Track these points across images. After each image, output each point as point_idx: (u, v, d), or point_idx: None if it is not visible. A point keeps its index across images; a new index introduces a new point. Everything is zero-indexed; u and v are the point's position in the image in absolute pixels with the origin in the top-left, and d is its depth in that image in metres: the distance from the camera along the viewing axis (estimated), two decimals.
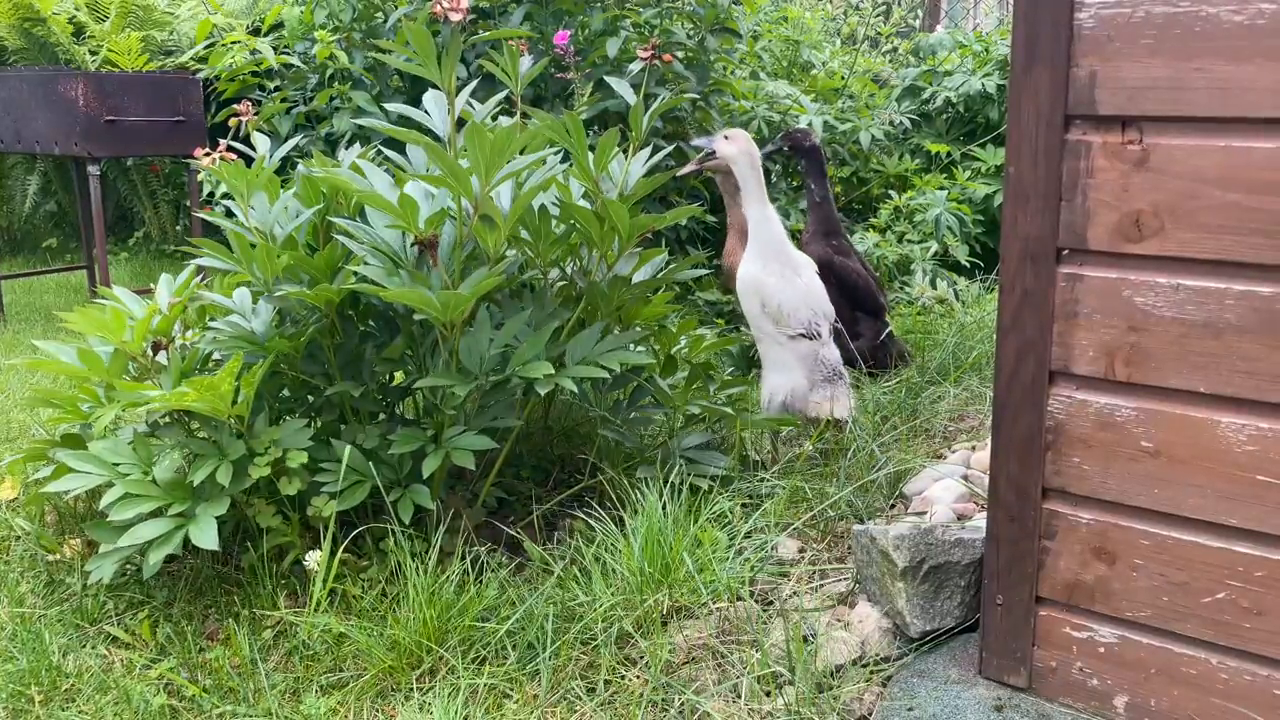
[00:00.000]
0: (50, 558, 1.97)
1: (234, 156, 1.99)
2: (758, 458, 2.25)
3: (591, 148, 1.98)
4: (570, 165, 2.01)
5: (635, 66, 3.32)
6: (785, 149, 2.99)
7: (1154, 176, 1.21)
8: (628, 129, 2.06)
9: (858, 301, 2.87)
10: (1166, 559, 1.28)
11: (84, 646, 1.73)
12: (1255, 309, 1.18)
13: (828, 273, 2.59)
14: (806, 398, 2.14)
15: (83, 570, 1.86)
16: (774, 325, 2.11)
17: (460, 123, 1.87)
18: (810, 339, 2.12)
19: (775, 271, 2.11)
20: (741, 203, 2.17)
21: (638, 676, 1.53)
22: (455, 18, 1.70)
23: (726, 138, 2.20)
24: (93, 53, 5.12)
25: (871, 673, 1.50)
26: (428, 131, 1.94)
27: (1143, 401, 1.27)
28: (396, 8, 3.77)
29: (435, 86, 1.84)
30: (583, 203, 2.00)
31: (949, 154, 4.29)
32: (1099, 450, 1.30)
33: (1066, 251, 1.29)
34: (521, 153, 1.86)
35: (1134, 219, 1.23)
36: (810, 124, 3.98)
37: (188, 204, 4.87)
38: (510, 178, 1.79)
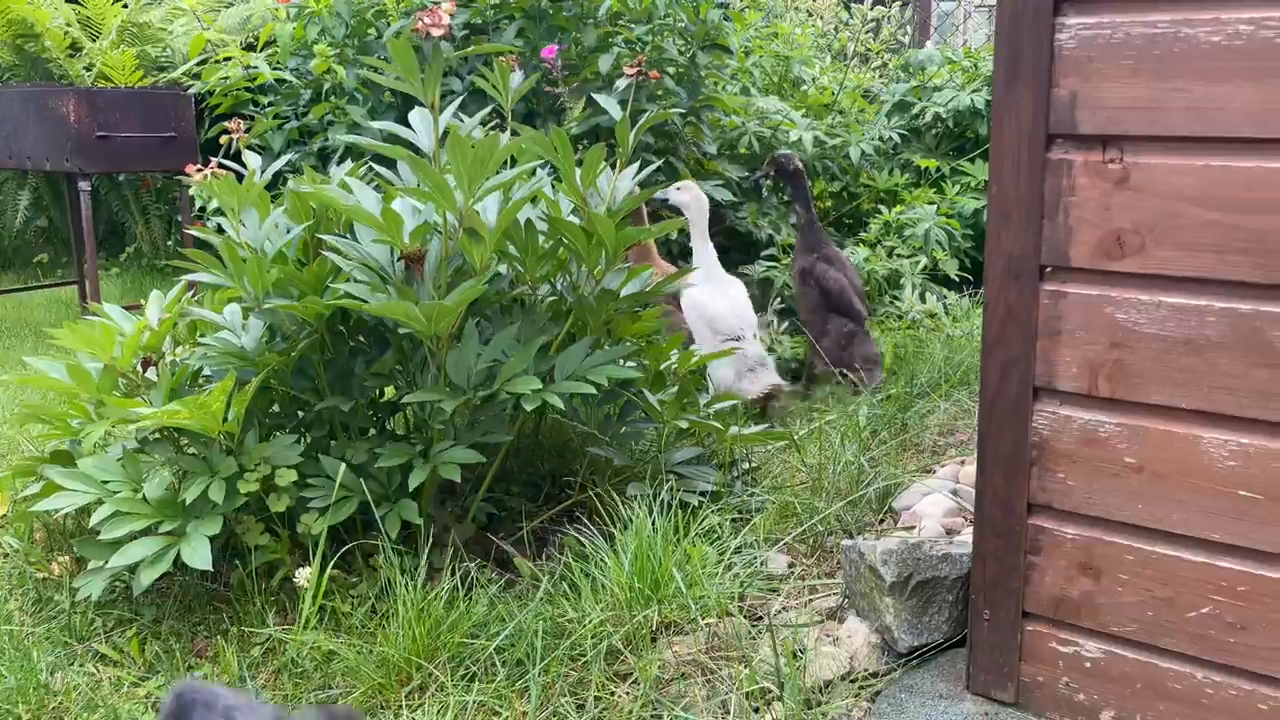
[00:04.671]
0: (38, 575, 1.97)
1: (225, 172, 2.00)
2: (748, 465, 2.27)
3: (580, 163, 1.99)
4: (559, 181, 2.02)
5: (623, 83, 3.34)
6: (771, 174, 3.17)
7: (1135, 195, 1.23)
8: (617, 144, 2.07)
9: (833, 305, 3.01)
10: (1151, 574, 1.29)
11: (72, 664, 1.72)
12: (1235, 326, 1.19)
13: (808, 279, 3.02)
14: (735, 384, 2.65)
15: (71, 587, 1.86)
16: (710, 331, 2.66)
17: (446, 138, 1.88)
18: (735, 340, 2.64)
19: (709, 290, 2.69)
20: (690, 238, 2.72)
21: (627, 693, 1.53)
22: (437, 33, 1.71)
23: (679, 188, 2.75)
24: (87, 69, 5.13)
25: (860, 688, 1.50)
26: (414, 148, 1.95)
27: (1125, 417, 1.28)
28: (389, 24, 3.78)
29: (421, 102, 1.85)
30: (571, 218, 2.01)
31: (938, 169, 4.31)
32: (1083, 466, 1.31)
33: (1049, 269, 1.30)
34: (510, 167, 1.86)
35: (1115, 237, 1.25)
36: (800, 139, 4.00)
37: (179, 219, 4.87)
38: (495, 190, 1.80)
